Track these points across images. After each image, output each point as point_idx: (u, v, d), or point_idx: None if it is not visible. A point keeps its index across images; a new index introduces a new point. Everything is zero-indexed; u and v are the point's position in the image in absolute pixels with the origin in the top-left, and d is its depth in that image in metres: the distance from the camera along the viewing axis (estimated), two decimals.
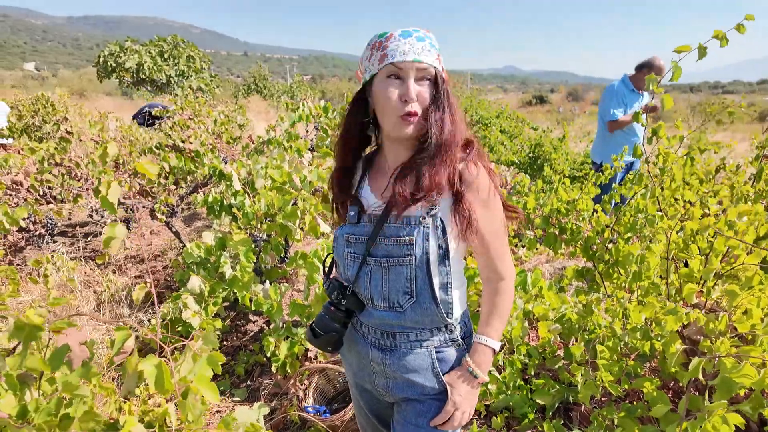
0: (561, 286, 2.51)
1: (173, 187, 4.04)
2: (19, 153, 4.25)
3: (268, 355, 2.42)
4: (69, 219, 5.11)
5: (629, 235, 2.35)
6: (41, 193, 3.75)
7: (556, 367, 2.18)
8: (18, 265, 3.93)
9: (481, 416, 2.24)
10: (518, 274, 2.47)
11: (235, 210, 2.85)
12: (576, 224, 2.57)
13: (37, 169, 3.46)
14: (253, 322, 3.17)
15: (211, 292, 2.48)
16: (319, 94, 25.88)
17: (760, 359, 1.32)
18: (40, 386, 1.03)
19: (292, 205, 2.64)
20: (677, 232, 1.99)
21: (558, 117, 23.27)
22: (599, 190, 2.79)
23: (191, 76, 21.97)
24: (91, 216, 4.53)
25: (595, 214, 2.55)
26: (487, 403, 2.22)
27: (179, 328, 2.37)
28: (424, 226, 1.08)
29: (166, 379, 0.90)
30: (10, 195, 3.70)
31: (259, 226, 2.82)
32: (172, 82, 21.57)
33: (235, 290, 2.46)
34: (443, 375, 1.16)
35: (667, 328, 1.49)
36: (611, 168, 2.84)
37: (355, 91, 1.18)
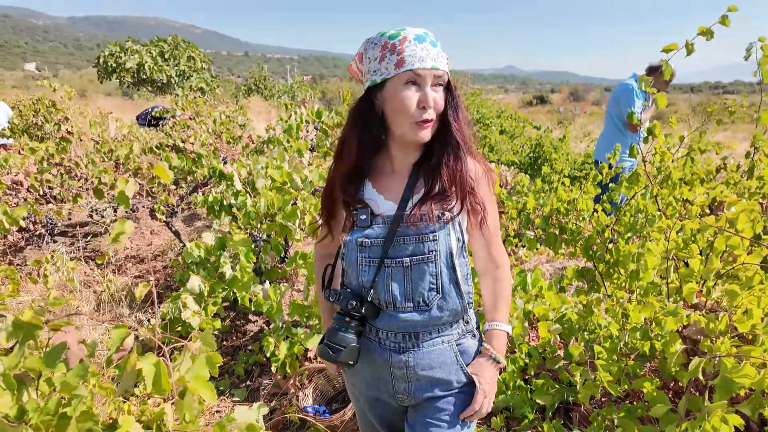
0: (561, 286, 2.51)
1: (173, 187, 4.04)
2: (19, 153, 4.25)
3: (268, 355, 2.42)
4: (69, 219, 5.11)
5: (629, 235, 2.35)
6: (41, 192, 3.75)
7: (556, 367, 2.17)
8: (18, 265, 3.93)
9: None
10: (518, 274, 2.46)
11: (235, 210, 2.85)
12: (576, 224, 2.57)
13: (37, 169, 3.46)
14: (253, 322, 3.17)
15: (210, 292, 2.47)
16: (320, 95, 25.85)
17: (760, 359, 1.32)
18: (38, 386, 1.02)
19: (292, 205, 2.64)
20: (677, 232, 1.99)
21: (559, 117, 23.26)
22: (599, 190, 2.79)
23: (192, 76, 21.98)
24: (91, 216, 4.53)
25: (595, 214, 2.54)
26: None
27: (179, 328, 2.36)
28: (445, 222, 1.12)
29: (163, 379, 0.90)
30: (10, 195, 3.70)
31: (259, 226, 2.82)
32: (173, 82, 21.59)
33: (235, 290, 2.46)
34: (467, 366, 1.19)
35: (667, 328, 1.49)
36: (614, 167, 2.83)
37: (356, 91, 1.18)
